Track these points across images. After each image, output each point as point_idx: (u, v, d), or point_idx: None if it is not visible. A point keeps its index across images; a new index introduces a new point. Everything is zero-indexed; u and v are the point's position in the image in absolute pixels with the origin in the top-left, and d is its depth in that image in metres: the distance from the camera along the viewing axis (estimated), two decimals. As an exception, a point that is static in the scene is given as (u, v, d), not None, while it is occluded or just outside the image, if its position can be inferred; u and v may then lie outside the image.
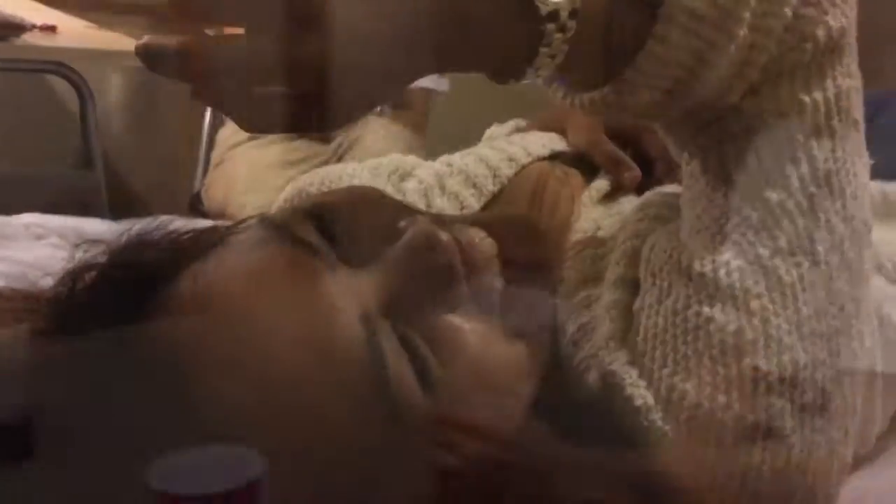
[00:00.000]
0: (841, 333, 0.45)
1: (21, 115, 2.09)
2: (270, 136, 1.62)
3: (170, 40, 0.35)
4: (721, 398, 0.43)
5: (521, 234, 0.47)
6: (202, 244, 0.43)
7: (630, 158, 0.64)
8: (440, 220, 0.45)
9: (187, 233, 0.46)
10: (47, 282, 0.55)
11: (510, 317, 0.42)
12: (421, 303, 0.39)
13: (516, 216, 0.57)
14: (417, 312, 0.39)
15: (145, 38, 0.35)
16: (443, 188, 0.67)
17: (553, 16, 0.39)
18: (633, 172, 0.63)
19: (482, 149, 0.70)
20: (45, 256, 0.83)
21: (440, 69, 0.41)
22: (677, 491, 0.43)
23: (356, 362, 0.36)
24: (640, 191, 0.62)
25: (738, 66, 0.44)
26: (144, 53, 0.35)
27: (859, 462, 0.68)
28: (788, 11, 0.44)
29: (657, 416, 0.44)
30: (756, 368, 0.43)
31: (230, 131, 1.87)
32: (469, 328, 0.40)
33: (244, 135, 1.82)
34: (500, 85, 0.43)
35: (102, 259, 0.45)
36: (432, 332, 0.39)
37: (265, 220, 0.42)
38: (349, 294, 0.38)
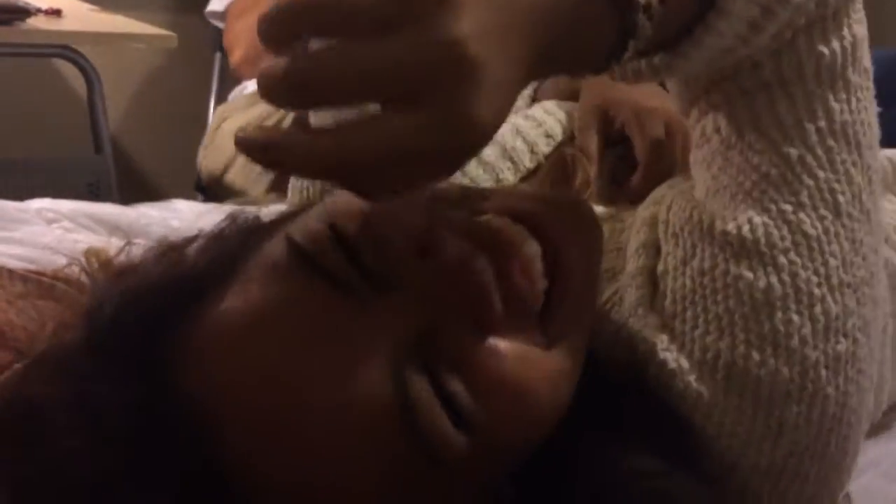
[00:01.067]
0: (865, 283, 0.45)
1: (28, 100, 2.10)
2: (254, 99, 1.61)
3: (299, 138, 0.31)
4: (755, 355, 0.43)
5: (576, 221, 0.43)
6: (219, 268, 0.40)
7: (611, 158, 0.63)
8: (483, 196, 0.42)
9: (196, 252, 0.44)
10: (60, 261, 0.56)
11: (553, 318, 0.40)
12: (454, 329, 0.37)
13: (571, 199, 0.53)
14: (450, 340, 0.37)
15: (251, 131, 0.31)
16: (480, 158, 0.64)
17: (646, 7, 0.37)
18: (584, 176, 0.62)
19: (516, 117, 0.68)
20: (56, 239, 0.84)
21: (547, 74, 0.39)
22: (715, 453, 0.43)
23: (388, 418, 0.35)
24: (610, 198, 0.61)
25: (783, 28, 0.44)
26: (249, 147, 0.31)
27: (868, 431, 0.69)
28: None
29: (692, 378, 0.44)
30: (788, 322, 0.43)
31: (225, 105, 1.87)
32: (504, 349, 0.38)
33: (233, 106, 1.81)
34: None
35: (115, 300, 0.40)
36: (465, 361, 0.37)
37: (291, 245, 0.38)
38: (379, 334, 0.36)
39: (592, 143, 0.65)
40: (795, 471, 0.44)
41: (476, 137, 0.31)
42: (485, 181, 0.65)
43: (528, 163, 0.66)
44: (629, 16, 0.37)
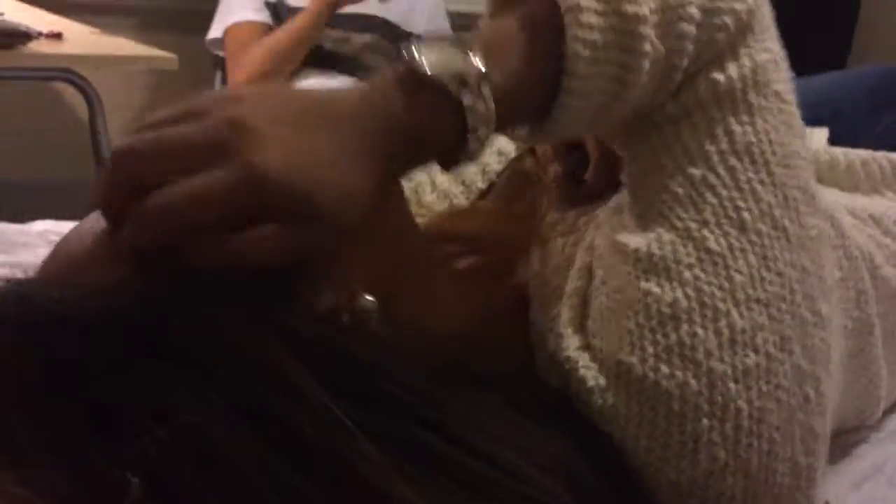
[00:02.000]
0: (781, 299, 0.45)
1: (29, 122, 2.12)
2: None
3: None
4: (664, 367, 0.44)
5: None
6: None
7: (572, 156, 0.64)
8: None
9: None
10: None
11: None
12: None
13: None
14: None
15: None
16: (433, 184, 0.67)
17: (469, 108, 0.42)
18: (541, 187, 0.63)
19: None
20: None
21: (397, 175, 0.45)
22: (633, 469, 0.44)
23: None
24: (571, 199, 0.62)
25: (662, 74, 0.46)
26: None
27: (869, 432, 0.69)
28: (696, 11, 0.46)
29: (609, 395, 0.45)
30: (693, 335, 0.44)
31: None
32: None
33: None
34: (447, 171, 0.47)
35: None
36: None
37: None
38: None
39: (550, 146, 0.66)
40: (719, 489, 0.44)
41: (261, 181, 0.37)
42: (438, 206, 0.66)
43: (480, 183, 0.67)
44: (455, 116, 0.42)
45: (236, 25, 1.94)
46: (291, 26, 1.87)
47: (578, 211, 0.59)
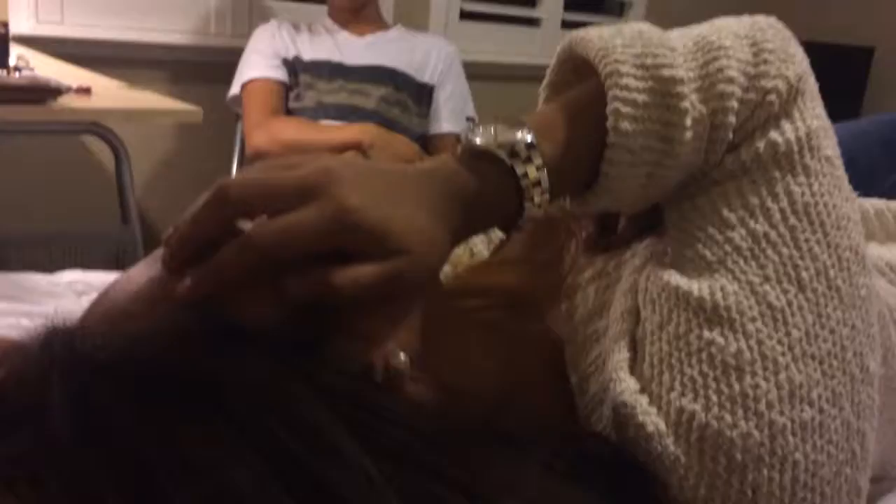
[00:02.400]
0: (833, 356, 0.47)
1: (57, 174, 2.16)
2: None
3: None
4: (727, 417, 0.44)
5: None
6: None
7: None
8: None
9: None
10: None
11: None
12: None
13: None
14: None
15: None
16: None
17: (522, 175, 0.47)
18: (567, 234, 0.65)
19: None
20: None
21: (461, 238, 0.48)
22: None
23: None
24: (600, 245, 0.63)
25: (707, 133, 0.49)
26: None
27: (892, 483, 0.69)
28: (738, 75, 0.48)
29: (669, 441, 0.45)
30: (756, 386, 0.45)
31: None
32: None
33: None
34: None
35: None
36: None
37: None
38: None
39: None
40: None
41: (351, 217, 0.41)
42: (457, 255, 0.68)
43: (500, 232, 0.68)
44: (515, 189, 0.47)
45: (253, 82, 2.00)
46: (326, 135, 1.91)
47: (606, 256, 0.61)
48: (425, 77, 2.12)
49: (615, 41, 0.49)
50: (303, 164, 0.43)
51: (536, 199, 0.48)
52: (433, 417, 0.42)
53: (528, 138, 0.47)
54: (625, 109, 0.47)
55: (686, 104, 0.48)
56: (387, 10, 2.50)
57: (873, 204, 0.78)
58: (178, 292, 0.41)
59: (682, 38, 0.51)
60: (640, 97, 0.47)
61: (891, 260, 0.70)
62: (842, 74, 2.72)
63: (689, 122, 0.48)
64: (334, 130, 1.93)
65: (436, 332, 0.49)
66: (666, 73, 0.48)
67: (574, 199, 0.52)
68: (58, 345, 0.39)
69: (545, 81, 0.57)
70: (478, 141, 0.48)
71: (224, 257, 0.41)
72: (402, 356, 0.44)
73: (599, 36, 0.50)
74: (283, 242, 0.41)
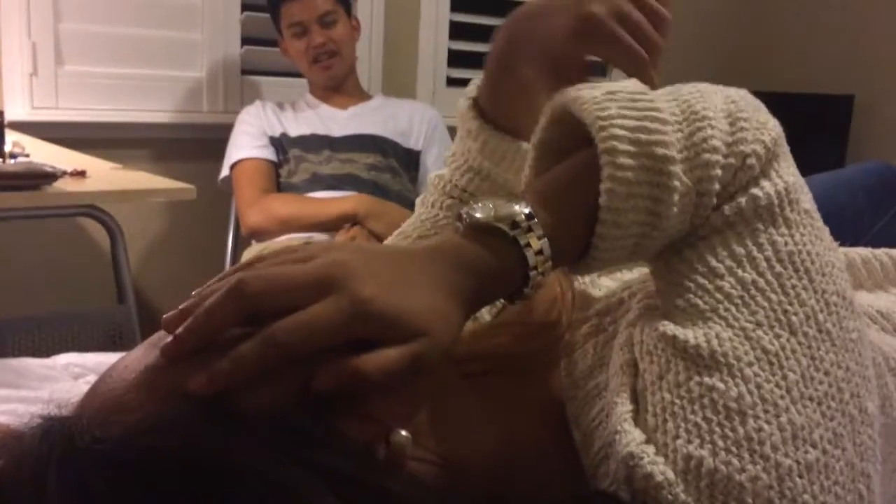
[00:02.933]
0: (831, 397, 0.47)
1: (52, 256, 2.17)
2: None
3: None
4: (735, 461, 0.44)
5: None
6: None
7: None
8: None
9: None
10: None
11: None
12: None
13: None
14: None
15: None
16: None
17: (524, 246, 0.49)
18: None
19: None
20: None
21: (474, 310, 0.50)
22: None
23: None
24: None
25: (694, 201, 0.51)
26: None
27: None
28: (719, 143, 0.50)
29: (679, 490, 0.45)
30: (760, 430, 0.45)
31: (251, 253, 1.95)
32: None
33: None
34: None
35: None
36: None
37: None
38: None
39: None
40: None
41: (367, 307, 0.43)
42: None
43: None
44: (520, 261, 0.49)
45: (242, 162, 2.05)
46: (320, 209, 1.94)
47: (599, 311, 0.62)
48: (410, 143, 2.16)
49: (610, 109, 0.51)
50: (314, 255, 0.45)
51: (540, 268, 0.49)
52: (435, 497, 0.42)
53: (527, 210, 0.49)
54: (619, 189, 0.49)
55: (676, 182, 0.49)
56: (375, 79, 2.55)
57: (859, 253, 0.79)
58: (193, 388, 0.41)
59: (668, 103, 0.52)
60: (633, 175, 0.49)
61: (881, 307, 0.71)
62: (824, 122, 2.76)
63: (676, 197, 0.50)
64: (328, 204, 1.95)
65: (437, 405, 0.49)
66: (659, 151, 0.50)
67: (567, 265, 0.53)
68: (55, 435, 0.39)
69: (534, 139, 0.58)
70: (478, 215, 0.49)
71: (244, 353, 0.41)
72: (404, 433, 0.44)
73: (594, 99, 0.52)
74: (305, 338, 0.42)
